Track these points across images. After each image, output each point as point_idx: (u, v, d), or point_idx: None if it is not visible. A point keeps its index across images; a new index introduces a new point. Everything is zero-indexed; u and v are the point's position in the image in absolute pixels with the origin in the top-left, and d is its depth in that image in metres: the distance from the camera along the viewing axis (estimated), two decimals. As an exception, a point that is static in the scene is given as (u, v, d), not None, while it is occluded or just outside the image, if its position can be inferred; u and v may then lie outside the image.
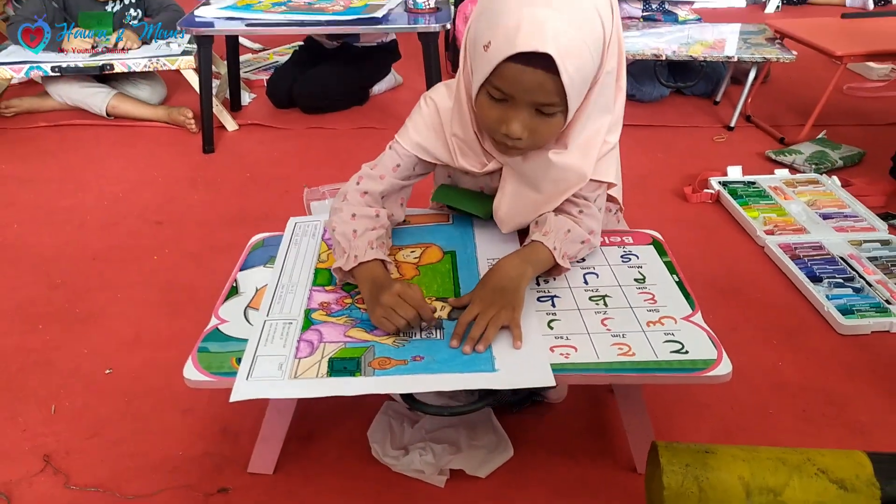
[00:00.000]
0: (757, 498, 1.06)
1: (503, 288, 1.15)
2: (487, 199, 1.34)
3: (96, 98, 2.82)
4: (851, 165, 2.48)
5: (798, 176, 2.36)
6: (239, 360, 1.13)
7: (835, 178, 2.31)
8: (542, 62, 1.03)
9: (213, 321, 1.23)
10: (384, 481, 1.28)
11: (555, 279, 1.30)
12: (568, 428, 1.39)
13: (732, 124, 2.81)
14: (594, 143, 1.22)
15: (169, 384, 1.49)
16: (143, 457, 1.34)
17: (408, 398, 1.11)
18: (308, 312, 1.23)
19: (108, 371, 1.55)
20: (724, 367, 1.10)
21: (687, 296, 1.27)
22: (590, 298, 1.26)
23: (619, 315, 1.21)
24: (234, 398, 1.05)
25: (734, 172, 2.34)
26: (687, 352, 1.13)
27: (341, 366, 1.10)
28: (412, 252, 1.37)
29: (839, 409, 1.45)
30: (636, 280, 1.31)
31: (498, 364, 1.09)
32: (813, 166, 2.41)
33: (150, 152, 2.67)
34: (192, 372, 1.12)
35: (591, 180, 1.23)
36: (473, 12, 1.14)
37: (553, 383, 1.06)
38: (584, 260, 1.36)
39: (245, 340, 1.17)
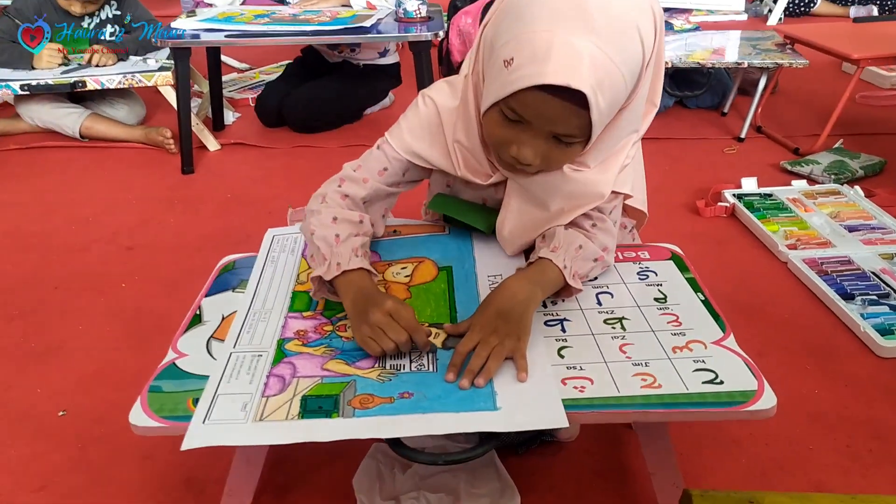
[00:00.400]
0: (814, 558, 0.89)
1: (508, 313, 1.00)
2: (490, 211, 1.19)
3: (69, 119, 2.68)
4: (873, 175, 2.35)
5: (817, 187, 2.23)
6: (196, 402, 0.96)
7: (857, 188, 2.18)
8: (572, 95, 0.89)
9: (170, 355, 1.07)
10: (371, 538, 1.11)
11: (563, 300, 1.13)
12: (582, 470, 1.23)
13: (743, 135, 2.69)
14: (616, 161, 1.08)
15: (129, 427, 1.30)
16: (95, 513, 1.16)
17: (396, 444, 0.94)
18: (281, 343, 1.07)
19: (61, 413, 1.38)
20: (768, 400, 0.94)
21: (716, 317, 1.11)
22: (605, 321, 1.10)
23: (639, 340, 1.05)
24: (185, 446, 0.88)
25: (749, 184, 2.20)
26: (722, 382, 0.97)
27: (316, 405, 0.94)
28: (403, 269, 1.21)
29: (888, 443, 1.28)
30: (656, 300, 1.15)
31: (500, 401, 0.92)
32: (832, 176, 2.28)
33: (125, 174, 2.52)
34: (139, 417, 0.95)
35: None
36: (494, 9, 0.99)
37: (566, 424, 0.89)
38: (596, 278, 1.20)
39: (206, 378, 1.00)
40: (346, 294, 1.04)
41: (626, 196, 1.15)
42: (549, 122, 0.93)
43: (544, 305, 1.12)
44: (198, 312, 1.16)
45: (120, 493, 1.20)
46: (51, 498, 1.20)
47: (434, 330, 1.06)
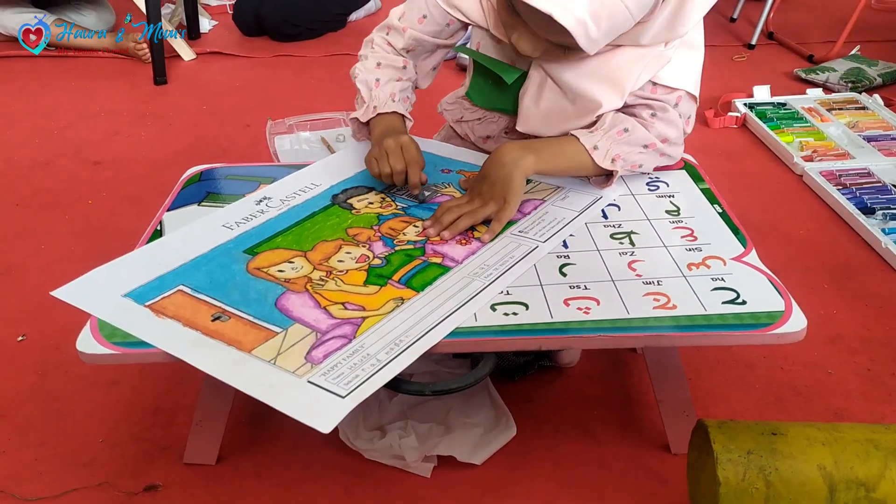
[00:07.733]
0: (843, 495, 0.80)
1: (492, 177, 0.99)
2: (517, 70, 1.11)
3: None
4: (892, 83, 2.23)
5: (834, 96, 2.11)
6: (153, 326, 0.85)
7: (876, 96, 2.06)
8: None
9: (126, 275, 0.96)
10: (355, 471, 1.02)
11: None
12: (583, 398, 1.13)
13: (753, 42, 2.56)
14: (633, 71, 1.01)
15: (92, 353, 1.21)
16: (53, 446, 1.07)
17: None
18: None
19: (20, 338, 1.28)
20: (797, 322, 0.84)
21: (735, 231, 1.01)
22: (611, 236, 1.00)
23: (650, 256, 0.96)
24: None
25: (761, 93, 2.07)
26: (744, 302, 0.87)
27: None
28: None
29: (911, 366, 1.19)
30: (669, 212, 1.05)
31: None
32: (849, 84, 2.16)
33: (94, 85, 2.36)
34: (88, 343, 0.86)
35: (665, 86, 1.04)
36: None
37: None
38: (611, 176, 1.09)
39: (165, 299, 0.89)
40: (374, 129, 1.09)
41: (691, 95, 1.09)
42: (540, 30, 0.91)
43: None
44: (158, 228, 1.05)
45: (82, 424, 1.11)
46: (3, 431, 1.10)
47: None
